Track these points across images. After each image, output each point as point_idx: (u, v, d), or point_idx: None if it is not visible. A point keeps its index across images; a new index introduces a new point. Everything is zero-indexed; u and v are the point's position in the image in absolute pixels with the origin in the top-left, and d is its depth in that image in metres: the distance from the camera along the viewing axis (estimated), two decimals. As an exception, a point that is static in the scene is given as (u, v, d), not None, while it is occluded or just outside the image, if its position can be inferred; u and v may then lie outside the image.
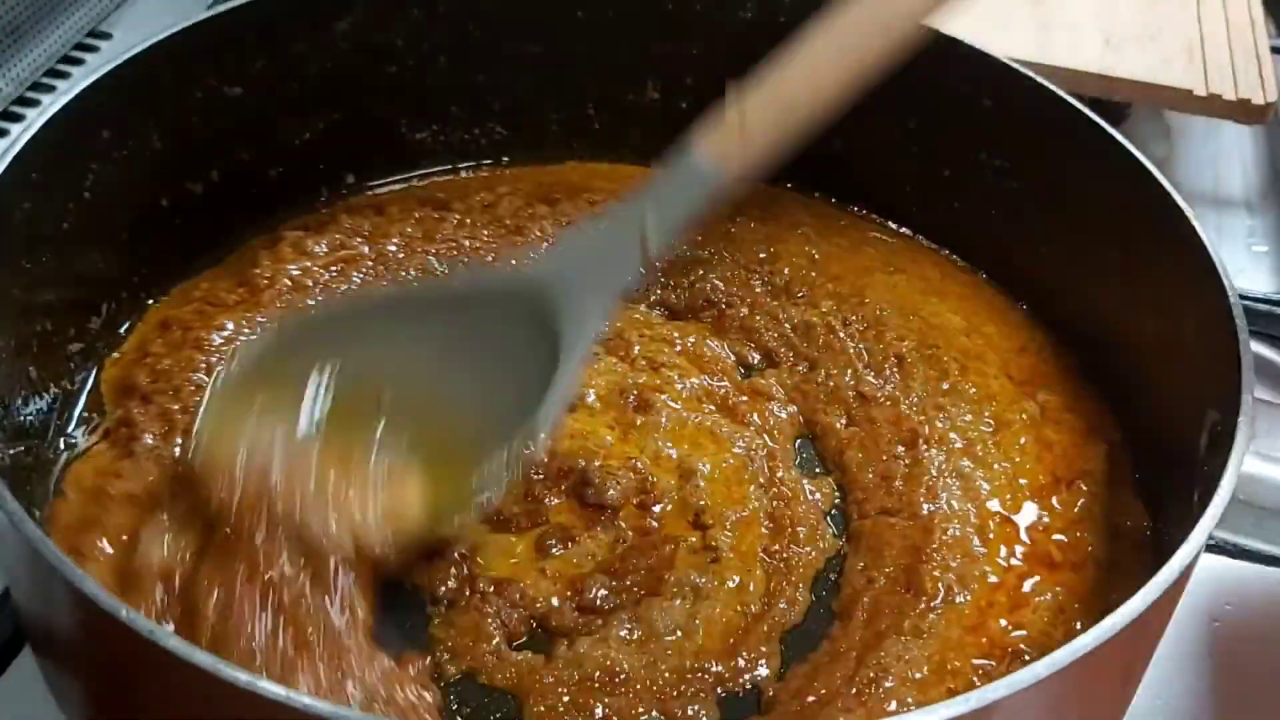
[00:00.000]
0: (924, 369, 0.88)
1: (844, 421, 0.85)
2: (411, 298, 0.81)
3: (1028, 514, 0.79)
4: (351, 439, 0.71)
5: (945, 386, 0.87)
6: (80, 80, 0.80)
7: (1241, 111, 1.13)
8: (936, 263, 0.98)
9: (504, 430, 0.71)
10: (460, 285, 0.84)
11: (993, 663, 0.71)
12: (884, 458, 0.82)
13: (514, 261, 0.87)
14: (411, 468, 0.71)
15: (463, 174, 1.03)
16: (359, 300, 0.86)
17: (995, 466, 0.82)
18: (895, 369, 0.88)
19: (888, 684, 0.68)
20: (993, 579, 0.75)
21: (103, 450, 0.79)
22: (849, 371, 0.88)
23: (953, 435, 0.83)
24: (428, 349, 0.75)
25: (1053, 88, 0.90)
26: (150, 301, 0.89)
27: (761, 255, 0.97)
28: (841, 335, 0.90)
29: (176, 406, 0.80)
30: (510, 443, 0.71)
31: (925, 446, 0.82)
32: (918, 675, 0.69)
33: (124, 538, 0.71)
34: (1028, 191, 0.94)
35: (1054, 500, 0.80)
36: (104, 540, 0.70)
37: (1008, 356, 0.90)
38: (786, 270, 0.95)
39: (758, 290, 0.94)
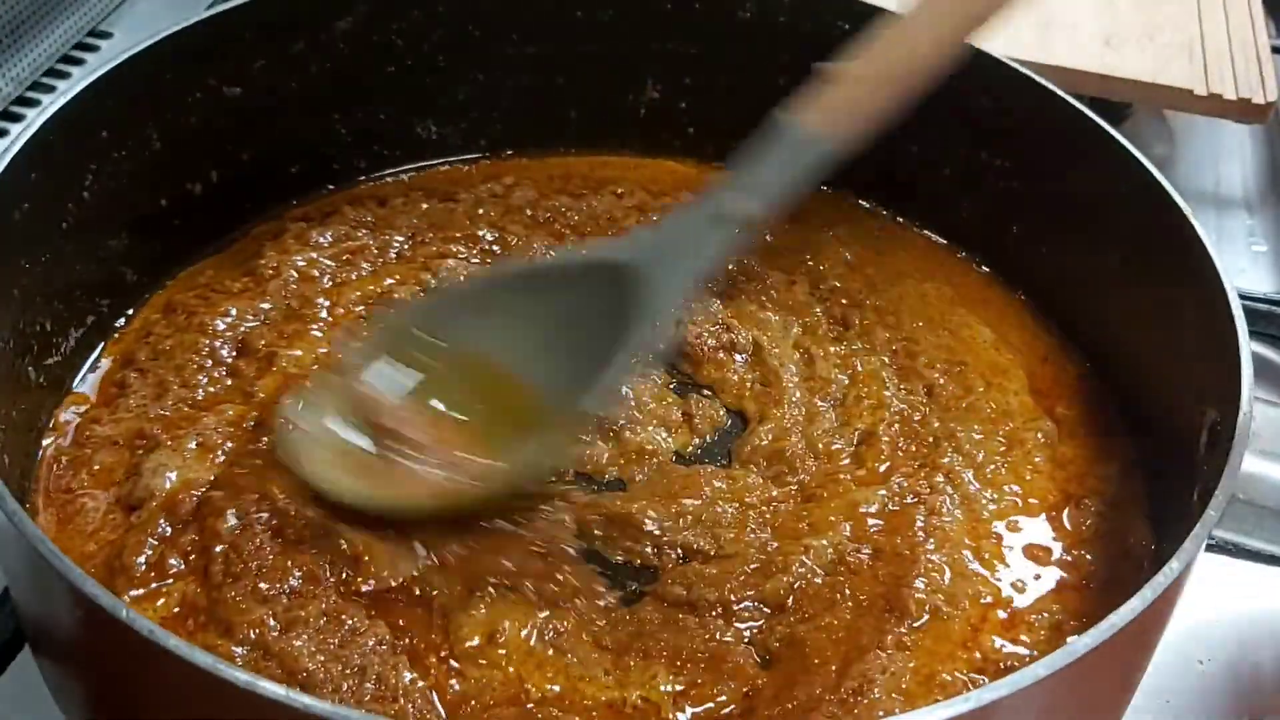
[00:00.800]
0: (950, 388, 0.87)
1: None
2: (509, 277, 0.85)
3: (1032, 533, 0.78)
4: (442, 401, 0.77)
5: (965, 405, 0.85)
6: (80, 80, 0.80)
7: (1241, 111, 1.13)
8: (958, 265, 0.98)
9: (574, 396, 0.77)
10: (552, 263, 0.89)
11: (985, 678, 0.70)
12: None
13: (603, 243, 0.91)
14: (490, 428, 0.76)
15: (463, 168, 1.03)
16: (463, 283, 0.89)
17: (1004, 487, 0.81)
18: (924, 396, 0.86)
19: (874, 694, 0.68)
20: (987, 599, 0.74)
21: (88, 397, 0.82)
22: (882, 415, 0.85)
23: (963, 456, 0.82)
24: (523, 324, 0.79)
25: (1053, 88, 0.90)
26: (147, 296, 0.89)
27: (808, 260, 0.97)
28: (884, 376, 0.88)
29: (175, 379, 0.82)
30: (572, 408, 0.77)
31: (931, 470, 0.81)
32: (903, 685, 0.69)
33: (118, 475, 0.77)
34: (1028, 191, 0.94)
35: (1064, 519, 0.79)
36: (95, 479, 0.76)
37: (1033, 368, 0.89)
38: (836, 282, 0.95)
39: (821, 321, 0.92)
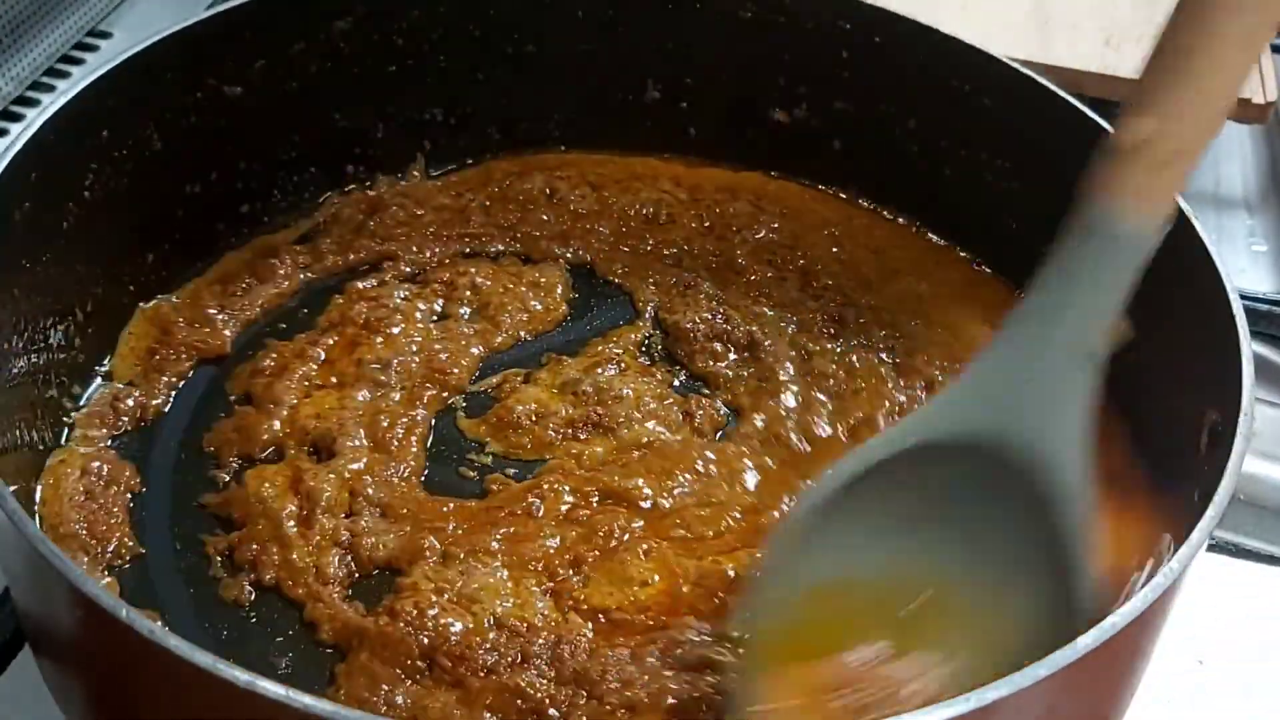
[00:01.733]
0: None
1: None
2: (865, 473, 0.66)
3: None
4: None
5: None
6: (80, 80, 0.80)
7: (1241, 111, 1.13)
8: (957, 264, 0.97)
9: (1038, 609, 0.63)
10: (903, 443, 0.67)
11: None
12: None
13: (939, 405, 0.71)
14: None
15: (468, 169, 1.03)
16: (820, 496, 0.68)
17: None
18: (924, 392, 0.87)
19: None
20: None
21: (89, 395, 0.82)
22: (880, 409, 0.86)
23: None
24: (900, 532, 0.65)
25: (1053, 88, 0.90)
26: (151, 295, 0.89)
27: (800, 258, 0.97)
28: (883, 372, 0.88)
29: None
30: (1062, 625, 0.60)
31: None
32: None
33: None
34: (1028, 191, 0.94)
35: None
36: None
37: None
38: (829, 280, 0.95)
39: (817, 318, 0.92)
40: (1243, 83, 0.62)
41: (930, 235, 1.00)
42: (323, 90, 0.95)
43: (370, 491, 0.78)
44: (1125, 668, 0.66)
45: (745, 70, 1.01)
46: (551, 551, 0.75)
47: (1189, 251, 0.78)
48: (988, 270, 0.97)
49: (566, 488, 0.79)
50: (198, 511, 0.78)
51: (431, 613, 0.70)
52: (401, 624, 0.70)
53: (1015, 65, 0.92)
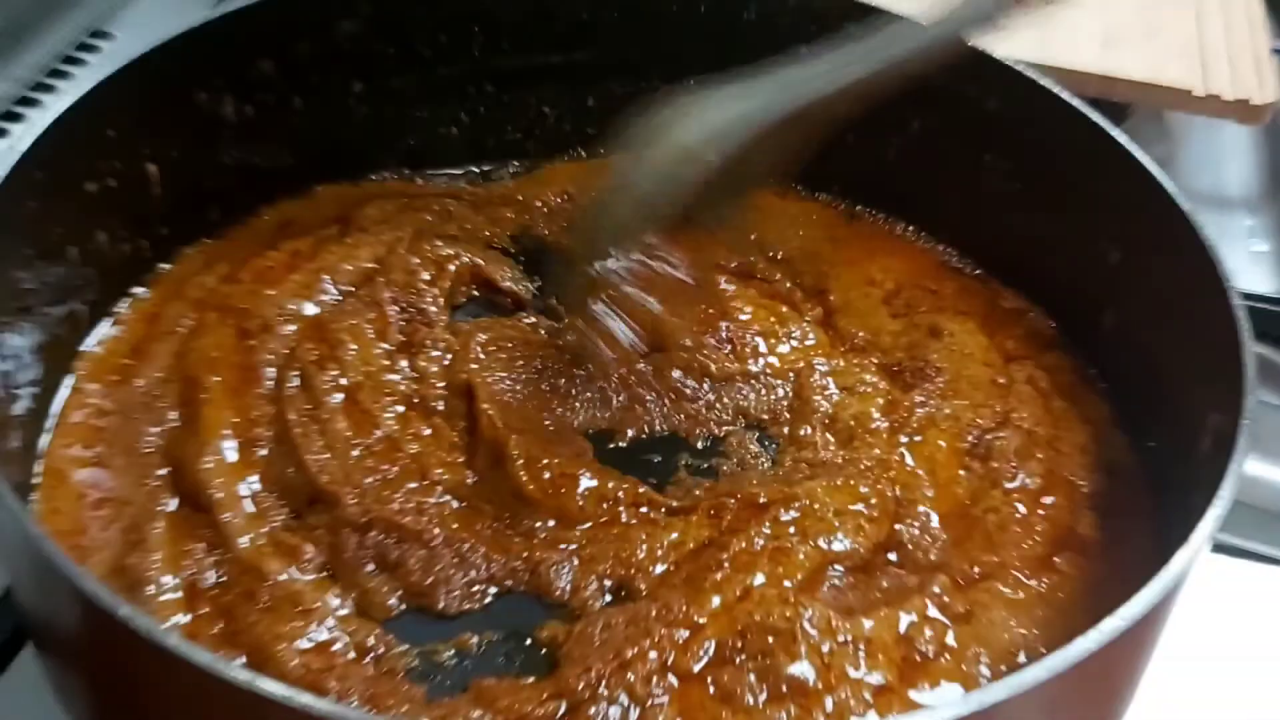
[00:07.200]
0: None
1: None
2: None
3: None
4: None
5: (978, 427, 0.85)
6: (86, 81, 0.80)
7: (1241, 111, 1.13)
8: (949, 274, 0.98)
9: None
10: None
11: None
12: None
13: None
14: None
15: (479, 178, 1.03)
16: None
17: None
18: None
19: None
20: None
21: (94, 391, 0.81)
22: None
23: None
24: None
25: (1055, 89, 0.90)
26: (153, 288, 0.89)
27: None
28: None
29: None
30: None
31: None
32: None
33: None
34: (1029, 192, 0.94)
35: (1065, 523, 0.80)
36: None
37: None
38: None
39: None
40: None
41: (934, 245, 0.99)
42: (326, 91, 0.95)
43: None
44: (1126, 669, 0.66)
45: (748, 71, 1.01)
46: None
47: (1189, 251, 0.78)
48: (980, 272, 0.97)
49: None
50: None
51: None
52: None
53: (1017, 66, 0.92)
